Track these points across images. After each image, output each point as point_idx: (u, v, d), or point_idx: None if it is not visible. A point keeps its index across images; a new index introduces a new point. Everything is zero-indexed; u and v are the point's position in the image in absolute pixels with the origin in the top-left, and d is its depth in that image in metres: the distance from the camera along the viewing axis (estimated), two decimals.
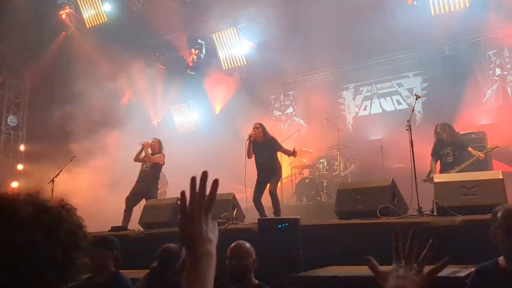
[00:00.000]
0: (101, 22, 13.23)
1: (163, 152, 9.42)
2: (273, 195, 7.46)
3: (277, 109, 15.11)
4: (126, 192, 11.29)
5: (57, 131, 13.03)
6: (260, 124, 8.05)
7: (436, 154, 8.08)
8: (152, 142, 9.42)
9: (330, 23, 11.76)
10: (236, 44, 13.25)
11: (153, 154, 9.29)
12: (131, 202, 8.81)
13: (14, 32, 13.03)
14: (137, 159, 9.27)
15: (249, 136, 7.83)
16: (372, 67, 13.16)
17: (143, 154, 9.20)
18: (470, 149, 7.92)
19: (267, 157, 7.80)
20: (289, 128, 14.31)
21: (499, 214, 2.77)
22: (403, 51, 12.49)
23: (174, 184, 11.79)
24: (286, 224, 4.64)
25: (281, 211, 7.56)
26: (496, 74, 11.63)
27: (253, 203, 7.69)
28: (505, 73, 11.53)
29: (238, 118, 13.06)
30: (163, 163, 9.38)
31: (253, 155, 7.91)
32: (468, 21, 10.99)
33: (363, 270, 4.11)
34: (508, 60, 11.54)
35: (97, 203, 11.71)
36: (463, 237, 4.50)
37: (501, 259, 2.77)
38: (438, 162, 8.10)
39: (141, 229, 7.42)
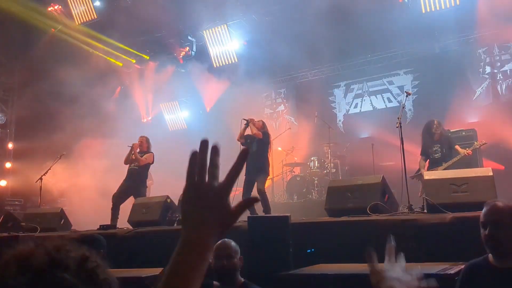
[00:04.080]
0: (90, 18, 13.11)
1: (152, 151, 9.32)
2: (261, 193, 7.44)
3: (268, 107, 15.08)
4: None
5: (45, 129, 12.91)
6: (264, 121, 8.38)
7: (425, 153, 8.09)
8: (140, 140, 9.29)
9: (321, 21, 11.74)
10: (227, 41, 13.19)
11: (142, 152, 9.19)
12: (117, 200, 8.70)
13: (2, 29, 12.88)
14: (127, 161, 9.12)
15: (247, 120, 7.91)
16: (363, 65, 13.17)
17: (133, 155, 9.09)
18: (457, 147, 7.93)
19: (255, 149, 7.80)
20: (280, 126, 14.29)
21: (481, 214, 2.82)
22: (393, 49, 12.50)
23: (163, 183, 11.71)
24: (313, 250, 4.57)
25: (272, 209, 7.55)
26: (486, 72, 11.68)
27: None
28: (495, 71, 11.58)
29: (229, 116, 13.01)
30: (153, 162, 9.29)
31: (243, 141, 8.04)
32: (459, 19, 11.03)
33: (353, 268, 4.09)
34: (498, 58, 11.59)
35: (87, 201, 11.63)
36: (453, 234, 4.49)
37: (490, 255, 2.77)
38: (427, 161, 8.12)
39: (130, 227, 7.35)
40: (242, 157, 1.05)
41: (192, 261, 1.00)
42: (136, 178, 8.96)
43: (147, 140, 9.38)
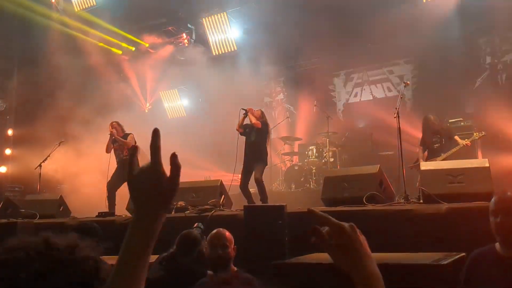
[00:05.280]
0: (89, 5, 13.05)
1: (129, 132, 9.17)
2: (259, 182, 7.46)
3: (267, 96, 15.05)
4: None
5: (45, 115, 12.90)
6: (263, 111, 8.34)
7: (424, 144, 8.10)
8: (114, 126, 9.08)
9: (321, 9, 11.69)
10: (226, 29, 13.14)
11: (124, 135, 9.03)
12: (112, 187, 8.65)
13: (0, 15, 12.81)
14: (109, 149, 9.00)
15: (246, 109, 7.91)
16: (363, 54, 13.10)
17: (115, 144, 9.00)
18: (457, 137, 7.93)
19: (254, 138, 7.81)
20: (279, 114, 14.27)
21: (491, 202, 2.81)
22: (394, 38, 12.43)
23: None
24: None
25: (270, 198, 7.57)
26: (487, 62, 11.64)
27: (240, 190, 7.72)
28: (496, 61, 11.54)
29: (228, 104, 13.01)
30: (136, 142, 9.19)
31: (242, 130, 8.03)
32: (460, 9, 10.97)
33: None
34: (498, 48, 11.54)
35: (86, 188, 11.66)
36: (448, 224, 4.52)
37: (497, 245, 2.79)
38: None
39: (129, 215, 7.38)
40: (154, 137, 1.17)
41: (140, 240, 1.08)
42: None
43: (119, 124, 9.23)
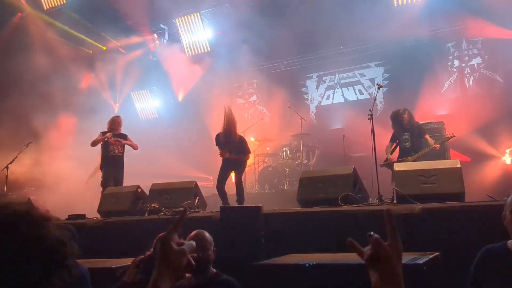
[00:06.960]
0: (59, 3, 12.77)
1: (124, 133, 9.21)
2: (239, 184, 7.41)
3: (241, 97, 15.04)
4: (85, 178, 10.94)
5: (12, 116, 12.54)
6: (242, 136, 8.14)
7: (394, 140, 8.14)
8: (118, 121, 9.02)
9: (295, 12, 11.75)
10: (199, 30, 13.06)
11: (120, 134, 8.99)
12: (108, 186, 8.50)
13: None
14: (95, 144, 8.88)
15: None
16: (335, 57, 13.25)
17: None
18: (427, 136, 7.98)
19: (234, 153, 7.62)
20: (252, 116, 14.27)
21: (509, 198, 2.78)
22: (365, 41, 12.62)
23: (133, 172, 11.56)
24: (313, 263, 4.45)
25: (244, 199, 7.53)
26: (454, 66, 11.93)
27: (216, 191, 7.62)
28: (463, 65, 11.83)
29: (201, 105, 12.95)
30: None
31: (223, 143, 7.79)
32: (429, 13, 11.22)
33: (324, 257, 4.12)
34: (466, 52, 11.84)
35: (55, 190, 11.40)
36: (422, 224, 4.58)
37: (510, 242, 2.78)
38: (397, 148, 8.17)
39: (99, 217, 7.24)
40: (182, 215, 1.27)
41: None
42: (121, 166, 8.86)
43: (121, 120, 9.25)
